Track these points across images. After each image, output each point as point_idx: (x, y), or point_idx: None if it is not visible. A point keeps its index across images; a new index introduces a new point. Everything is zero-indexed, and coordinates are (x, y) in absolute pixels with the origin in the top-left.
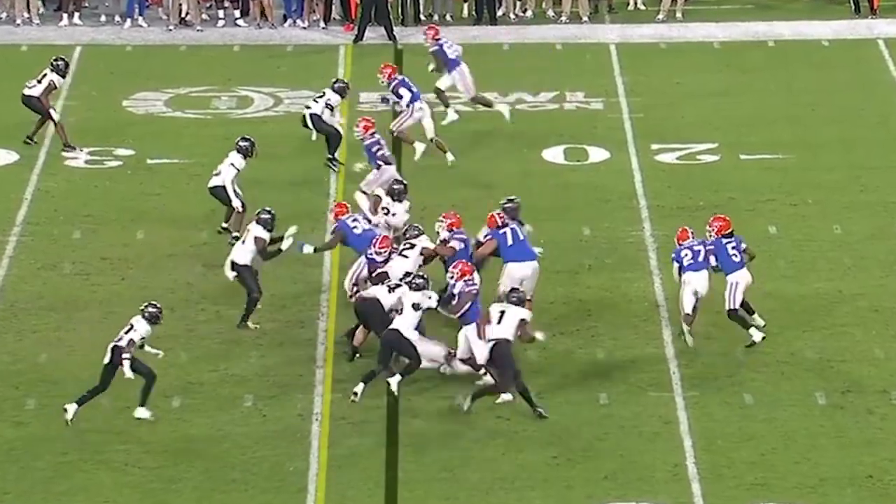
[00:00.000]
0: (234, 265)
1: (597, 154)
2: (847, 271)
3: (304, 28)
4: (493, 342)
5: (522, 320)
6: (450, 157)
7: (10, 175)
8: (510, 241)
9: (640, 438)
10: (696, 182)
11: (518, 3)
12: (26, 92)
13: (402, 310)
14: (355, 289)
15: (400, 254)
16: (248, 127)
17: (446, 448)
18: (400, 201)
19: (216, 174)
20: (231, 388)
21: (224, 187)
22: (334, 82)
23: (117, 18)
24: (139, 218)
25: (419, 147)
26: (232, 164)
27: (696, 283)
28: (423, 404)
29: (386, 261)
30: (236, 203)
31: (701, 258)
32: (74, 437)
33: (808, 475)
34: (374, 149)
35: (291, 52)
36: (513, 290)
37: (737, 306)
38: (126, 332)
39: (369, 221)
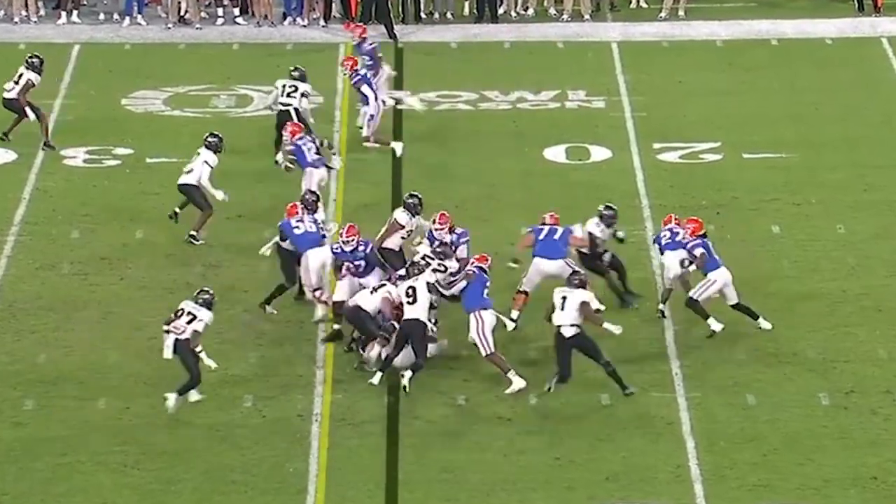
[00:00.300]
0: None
1: (599, 153)
2: (851, 271)
3: (304, 26)
4: (556, 330)
5: (584, 303)
6: (398, 148)
7: (8, 174)
8: (542, 237)
9: (642, 439)
10: (698, 181)
11: (519, 1)
12: (6, 95)
13: (415, 298)
14: (319, 291)
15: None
16: (248, 125)
17: (447, 449)
18: (415, 214)
19: (188, 172)
20: (231, 388)
21: (197, 186)
22: (293, 70)
23: (116, 17)
24: (138, 217)
25: (397, 146)
26: (206, 163)
27: (668, 262)
28: (424, 405)
29: (353, 251)
30: (220, 196)
31: (679, 238)
32: (73, 438)
33: (811, 476)
34: (303, 150)
35: (291, 50)
36: (574, 273)
37: (701, 299)
38: (188, 323)
39: (316, 223)
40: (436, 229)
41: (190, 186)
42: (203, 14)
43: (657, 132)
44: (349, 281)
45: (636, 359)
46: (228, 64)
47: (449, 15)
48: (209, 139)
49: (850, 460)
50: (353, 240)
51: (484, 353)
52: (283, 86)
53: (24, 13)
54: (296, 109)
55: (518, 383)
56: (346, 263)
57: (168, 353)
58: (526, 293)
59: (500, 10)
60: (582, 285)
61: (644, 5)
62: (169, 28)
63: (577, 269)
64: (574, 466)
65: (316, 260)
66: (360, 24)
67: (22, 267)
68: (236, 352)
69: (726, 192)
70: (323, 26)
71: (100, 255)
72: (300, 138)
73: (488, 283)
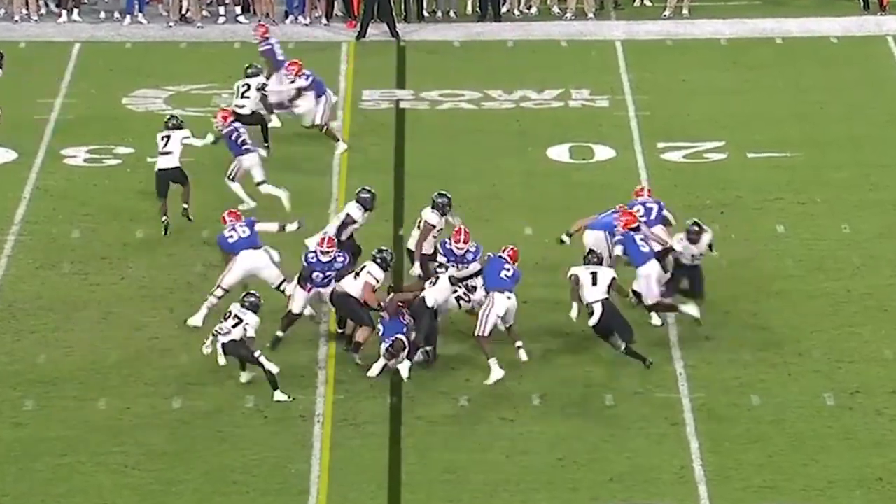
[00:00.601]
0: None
1: (602, 152)
2: (856, 271)
3: (306, 25)
4: (600, 304)
5: (614, 278)
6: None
7: (8, 173)
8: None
9: (646, 440)
10: (702, 180)
11: (522, 0)
12: None
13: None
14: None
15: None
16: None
17: (450, 450)
18: (444, 214)
19: (167, 153)
20: (232, 389)
21: (179, 168)
22: (248, 68)
23: (117, 15)
24: (139, 217)
25: (341, 146)
26: (183, 141)
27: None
28: (426, 406)
29: (330, 262)
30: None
31: (653, 216)
32: (73, 439)
33: (816, 477)
34: (233, 136)
35: (293, 49)
36: (590, 252)
37: (659, 298)
38: (234, 327)
39: (248, 227)
40: (458, 248)
41: (175, 169)
42: (204, 12)
43: (661, 131)
44: (306, 293)
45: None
46: (230, 63)
47: (452, 13)
48: (170, 122)
49: (855, 461)
50: (331, 251)
51: (477, 332)
52: (238, 87)
53: (24, 11)
54: (253, 112)
55: (497, 373)
56: (315, 273)
57: (221, 359)
58: None
59: (504, 9)
60: (601, 262)
61: (648, 4)
62: (170, 27)
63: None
64: (577, 467)
65: (247, 261)
66: (263, 24)
67: (22, 266)
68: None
69: (730, 192)
70: (325, 25)
71: (100, 254)
72: (230, 124)
73: (506, 267)
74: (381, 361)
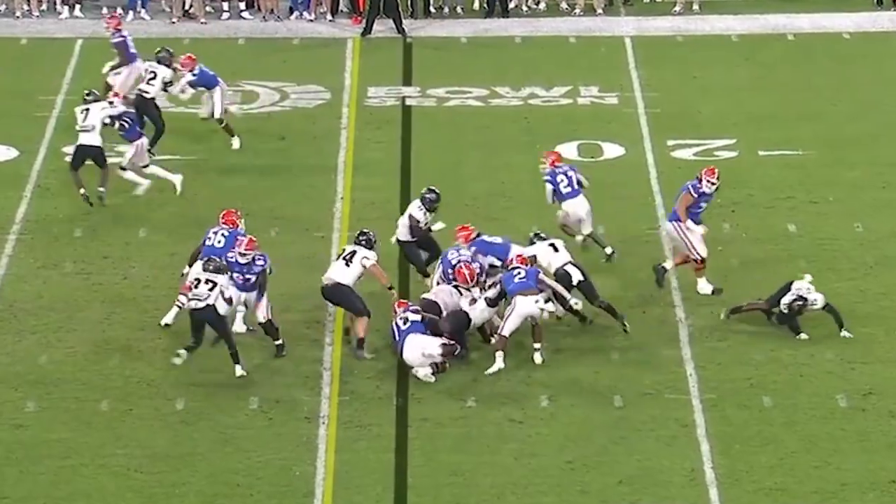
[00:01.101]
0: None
1: (611, 150)
2: (869, 270)
3: (311, 21)
4: (571, 265)
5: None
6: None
7: (9, 171)
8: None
9: (656, 442)
10: None
11: None
12: None
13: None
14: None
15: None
16: (254, 122)
17: (457, 452)
18: (431, 211)
19: (87, 130)
20: (236, 390)
21: (100, 148)
22: (158, 51)
23: (119, 11)
24: (141, 216)
25: (235, 142)
26: (103, 115)
27: (575, 208)
28: (433, 407)
29: (249, 264)
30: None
31: (576, 184)
32: (75, 441)
33: (828, 480)
34: (126, 116)
35: (298, 45)
36: (535, 234)
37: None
38: (210, 290)
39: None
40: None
41: (95, 147)
42: (208, 8)
43: (671, 129)
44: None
45: (650, 360)
46: (234, 59)
47: (459, 9)
48: (87, 97)
49: (868, 463)
50: (250, 254)
51: (499, 331)
52: (145, 70)
53: (25, 7)
54: (152, 99)
55: (498, 364)
56: (234, 274)
57: (170, 317)
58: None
59: (511, 5)
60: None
61: None
62: (173, 23)
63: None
64: (587, 470)
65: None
66: (115, 16)
67: (23, 266)
68: (241, 353)
69: (741, 190)
70: (330, 21)
71: (102, 254)
72: (125, 105)
73: (518, 271)
74: (427, 369)
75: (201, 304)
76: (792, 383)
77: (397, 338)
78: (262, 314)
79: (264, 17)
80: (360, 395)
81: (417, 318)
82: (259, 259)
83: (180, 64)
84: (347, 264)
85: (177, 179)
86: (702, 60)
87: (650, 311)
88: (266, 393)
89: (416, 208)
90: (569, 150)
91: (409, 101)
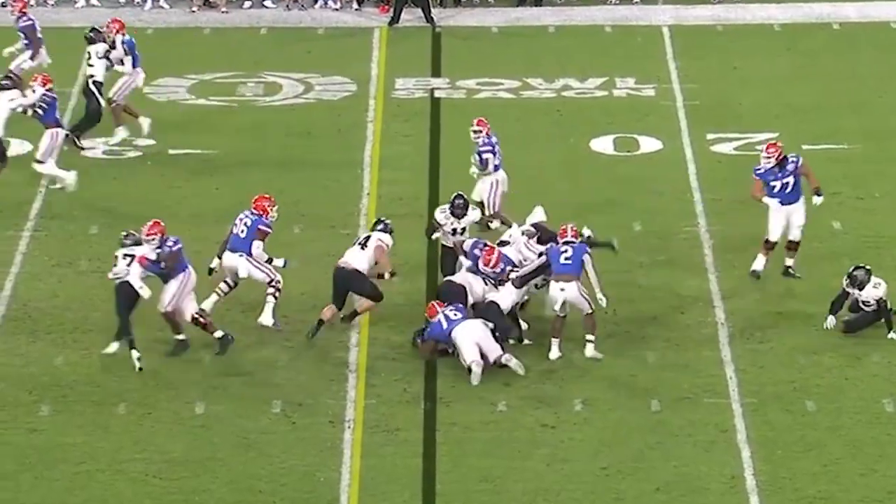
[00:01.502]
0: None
1: (648, 144)
2: None
3: (337, 9)
4: None
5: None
6: (144, 124)
7: (23, 166)
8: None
9: (694, 448)
10: None
11: None
12: None
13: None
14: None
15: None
16: (277, 115)
17: (487, 457)
18: (454, 216)
19: None
20: (258, 392)
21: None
22: (90, 31)
23: (137, 0)
24: (159, 212)
25: (145, 122)
26: (11, 104)
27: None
28: (462, 411)
29: (167, 257)
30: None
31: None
32: (91, 445)
33: (874, 487)
34: (54, 106)
35: (323, 35)
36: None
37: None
38: (129, 265)
39: (250, 229)
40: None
41: None
42: None
43: (710, 122)
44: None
45: (688, 362)
46: (256, 50)
47: None
48: (2, 82)
49: None
50: (154, 238)
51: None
52: (106, 66)
53: None
54: (96, 82)
55: (554, 353)
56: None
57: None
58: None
59: None
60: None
61: None
62: (193, 12)
63: None
64: (622, 476)
65: (226, 261)
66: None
67: (38, 264)
68: (264, 354)
69: None
70: (356, 9)
71: None
72: (49, 90)
73: (563, 251)
74: (477, 369)
75: (125, 279)
76: (836, 386)
77: (445, 326)
78: (164, 305)
79: (287, 5)
80: (387, 398)
81: (462, 313)
82: (170, 241)
83: (107, 28)
84: (363, 248)
85: (70, 177)
86: (743, 50)
87: (688, 311)
88: (289, 396)
89: (438, 211)
90: (604, 143)
91: (437, 93)
